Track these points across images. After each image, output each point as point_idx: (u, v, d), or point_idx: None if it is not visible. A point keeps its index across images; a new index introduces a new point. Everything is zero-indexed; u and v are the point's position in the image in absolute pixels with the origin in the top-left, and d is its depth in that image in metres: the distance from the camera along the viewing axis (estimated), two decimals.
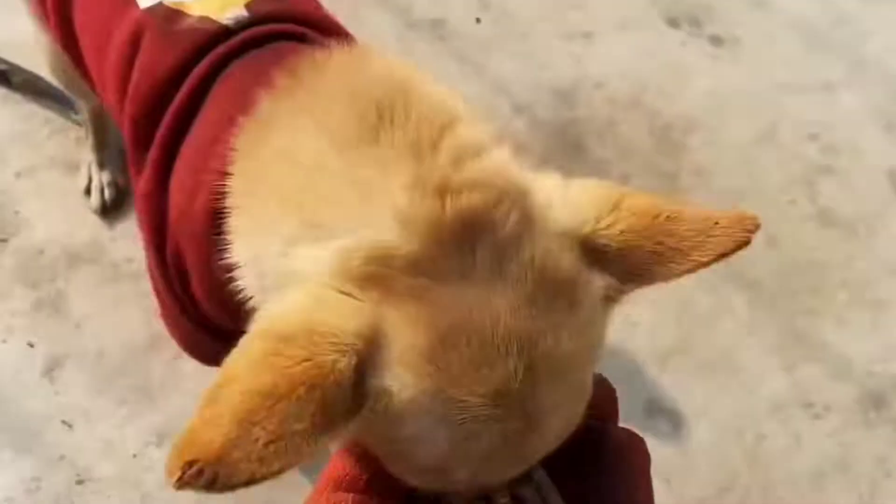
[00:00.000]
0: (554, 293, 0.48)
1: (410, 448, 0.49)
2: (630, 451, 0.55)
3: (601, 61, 1.56)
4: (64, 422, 1.16)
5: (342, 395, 0.44)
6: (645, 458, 0.55)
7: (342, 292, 0.47)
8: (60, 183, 1.34)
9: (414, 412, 0.47)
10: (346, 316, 0.46)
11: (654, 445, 0.57)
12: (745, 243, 0.51)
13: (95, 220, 1.31)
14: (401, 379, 0.46)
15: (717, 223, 0.51)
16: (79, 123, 1.34)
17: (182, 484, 0.39)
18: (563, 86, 1.53)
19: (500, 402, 0.46)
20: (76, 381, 1.18)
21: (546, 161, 1.38)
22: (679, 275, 0.52)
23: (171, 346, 0.90)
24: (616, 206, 0.52)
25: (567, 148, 1.46)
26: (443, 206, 0.47)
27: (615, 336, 1.25)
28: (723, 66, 1.59)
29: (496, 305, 0.46)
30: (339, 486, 0.51)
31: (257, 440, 0.40)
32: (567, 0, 1.62)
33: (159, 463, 1.13)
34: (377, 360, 0.46)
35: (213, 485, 0.40)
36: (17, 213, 1.31)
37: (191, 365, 1.08)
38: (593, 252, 0.51)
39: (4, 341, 1.22)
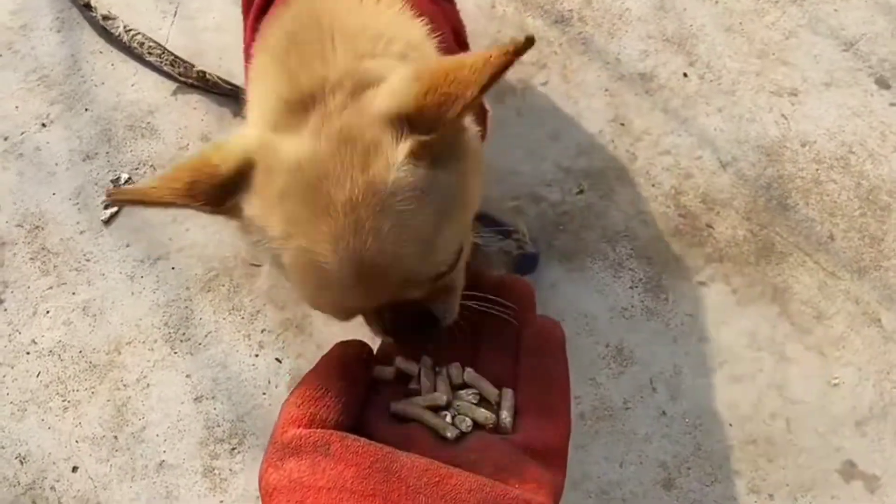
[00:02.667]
0: (356, 156, 0.64)
1: (265, 256, 0.70)
2: (548, 331, 0.67)
3: (807, 119, 1.59)
4: None
5: (211, 182, 0.67)
6: (560, 335, 0.67)
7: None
8: None
9: (257, 230, 0.67)
10: (239, 146, 0.69)
11: None
12: (510, 60, 0.61)
13: None
14: (249, 200, 0.67)
15: (490, 56, 0.62)
16: None
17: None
18: (769, 142, 1.56)
19: (338, 248, 0.63)
20: None
21: (748, 217, 1.42)
22: (462, 112, 0.62)
23: None
24: (417, 78, 0.65)
25: (771, 205, 1.50)
26: (290, 86, 0.71)
27: (812, 394, 1.29)
28: None
29: (303, 163, 0.65)
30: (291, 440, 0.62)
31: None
32: (773, 57, 1.66)
33: None
34: (246, 180, 0.68)
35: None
36: None
37: None
38: (399, 120, 0.65)
39: (256, 355, 1.38)
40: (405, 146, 0.64)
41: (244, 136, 0.72)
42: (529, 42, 0.61)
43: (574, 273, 1.45)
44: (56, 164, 1.58)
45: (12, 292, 1.47)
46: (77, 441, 1.35)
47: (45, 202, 1.55)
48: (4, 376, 1.40)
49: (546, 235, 1.48)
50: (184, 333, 1.42)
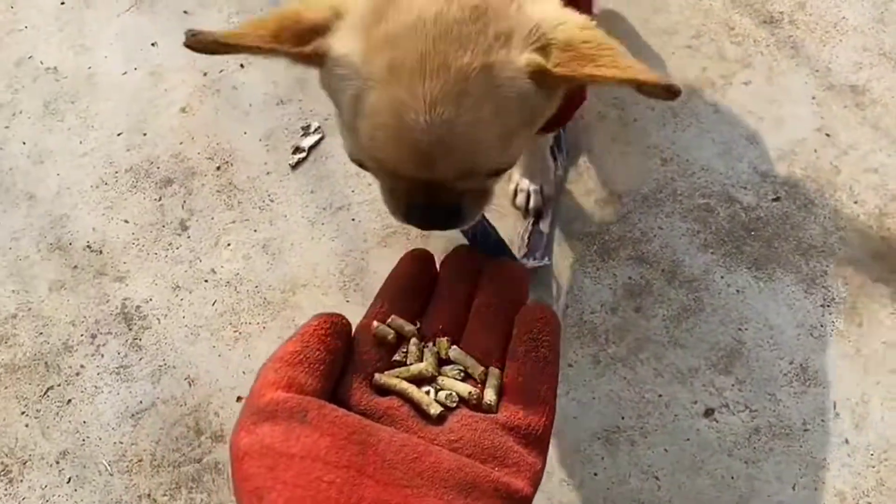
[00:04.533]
0: (484, 35, 0.66)
1: (337, 98, 0.71)
2: (545, 317, 0.64)
3: None
4: None
5: (297, 28, 0.68)
6: (557, 323, 0.64)
7: None
8: None
9: (349, 66, 0.67)
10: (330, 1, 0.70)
11: None
12: (654, 85, 0.63)
13: None
14: (343, 38, 0.68)
15: (646, 70, 0.64)
16: None
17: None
18: None
19: (433, 108, 0.64)
20: None
21: None
22: (595, 77, 0.65)
23: None
24: (584, 27, 0.68)
25: None
26: None
27: None
28: None
29: (427, 21, 0.65)
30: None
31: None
32: None
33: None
34: (332, 24, 0.69)
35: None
36: None
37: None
38: (541, 38, 0.67)
39: None
40: (533, 59, 0.66)
41: None
42: (677, 92, 0.62)
43: (762, 282, 1.38)
44: (250, 105, 1.62)
45: (197, 221, 1.51)
46: (244, 372, 1.37)
47: (236, 140, 1.59)
48: (182, 300, 1.44)
49: (736, 239, 1.42)
50: (357, 283, 1.42)
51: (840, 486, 1.23)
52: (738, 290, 1.37)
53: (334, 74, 0.69)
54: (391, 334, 0.62)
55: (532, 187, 1.43)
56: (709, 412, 1.29)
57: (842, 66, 1.58)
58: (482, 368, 0.62)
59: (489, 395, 0.60)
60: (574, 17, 0.70)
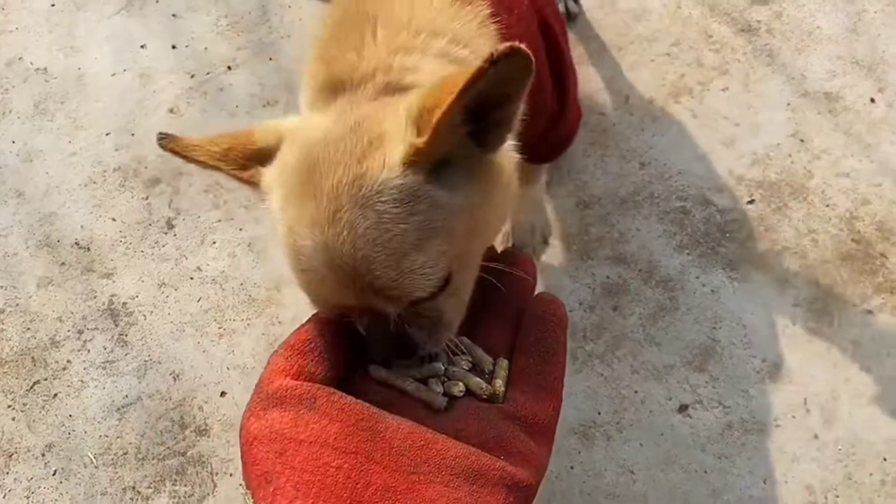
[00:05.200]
0: (358, 146, 0.62)
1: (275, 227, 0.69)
2: (553, 308, 0.64)
3: None
4: None
5: (244, 151, 0.69)
6: (564, 314, 0.64)
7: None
8: None
9: (267, 202, 0.67)
10: (272, 126, 0.71)
11: None
12: (485, 68, 0.55)
13: None
14: (268, 171, 0.68)
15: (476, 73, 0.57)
16: None
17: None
18: None
19: (314, 233, 0.61)
20: None
21: None
22: (442, 119, 0.58)
23: None
24: (435, 84, 0.63)
25: None
26: (325, 70, 0.73)
27: None
28: None
29: (313, 145, 0.64)
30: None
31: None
32: None
33: None
34: (271, 157, 0.68)
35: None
36: None
37: None
38: (411, 122, 0.61)
39: None
40: (402, 147, 0.60)
41: (288, 118, 0.73)
42: (510, 53, 0.53)
43: (736, 283, 1.42)
44: (237, 107, 1.65)
45: (183, 220, 1.53)
46: (228, 368, 1.40)
47: None
48: (168, 297, 1.46)
49: (711, 241, 1.45)
50: None
51: (809, 479, 1.27)
52: (712, 290, 1.41)
53: (268, 212, 0.68)
54: None
55: (536, 237, 1.41)
56: (683, 408, 1.32)
57: (816, 74, 1.62)
58: (490, 360, 0.63)
59: (497, 386, 0.61)
60: (434, 72, 0.69)
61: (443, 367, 0.63)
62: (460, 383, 0.62)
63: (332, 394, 0.56)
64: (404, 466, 0.53)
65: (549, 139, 1.11)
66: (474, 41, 0.77)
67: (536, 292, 0.69)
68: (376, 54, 0.71)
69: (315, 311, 0.64)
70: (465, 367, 0.63)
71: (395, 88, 0.68)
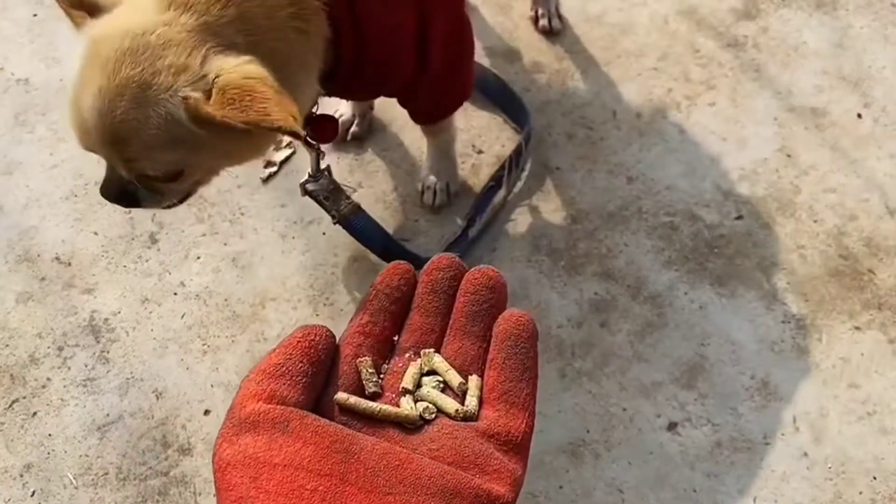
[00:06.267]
0: (164, 57, 0.87)
1: None
2: (524, 322, 0.59)
3: None
4: None
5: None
6: (534, 328, 0.60)
7: None
8: None
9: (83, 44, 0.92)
10: None
11: None
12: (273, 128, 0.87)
13: None
14: (92, 24, 0.93)
15: (269, 115, 0.85)
16: None
17: None
18: None
19: (84, 86, 0.91)
20: None
21: None
22: (223, 123, 0.85)
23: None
24: (246, 74, 0.86)
25: None
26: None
27: None
28: None
29: (131, 32, 0.88)
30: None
31: None
32: None
33: None
34: (99, 11, 0.94)
35: None
36: None
37: None
38: (209, 81, 0.87)
39: None
40: (190, 93, 0.85)
41: None
42: (296, 136, 0.86)
43: (724, 298, 1.41)
44: None
45: (167, 234, 1.51)
46: (212, 385, 1.37)
47: None
48: (151, 313, 1.44)
49: (699, 256, 1.45)
50: (328, 298, 1.43)
51: (799, 498, 1.26)
52: (700, 306, 1.40)
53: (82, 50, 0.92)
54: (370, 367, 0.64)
55: (438, 184, 1.48)
56: (672, 426, 1.31)
57: (802, 89, 1.63)
58: (461, 379, 0.63)
59: (470, 404, 0.61)
60: (245, 67, 0.86)
61: (410, 385, 0.63)
62: (431, 405, 0.62)
63: (304, 416, 0.56)
64: (380, 487, 0.53)
65: (411, 107, 1.33)
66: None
67: (508, 308, 0.69)
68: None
69: (285, 339, 0.64)
70: (437, 387, 0.63)
71: (211, 34, 0.88)
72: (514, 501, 0.57)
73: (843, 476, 1.27)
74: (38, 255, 1.49)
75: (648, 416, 1.32)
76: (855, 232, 1.47)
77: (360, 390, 0.64)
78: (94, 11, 0.92)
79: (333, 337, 0.65)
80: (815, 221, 1.48)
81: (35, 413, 1.35)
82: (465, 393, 0.62)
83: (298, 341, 0.63)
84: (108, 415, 1.35)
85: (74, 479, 1.30)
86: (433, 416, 0.60)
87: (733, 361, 1.36)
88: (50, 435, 1.34)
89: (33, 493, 1.29)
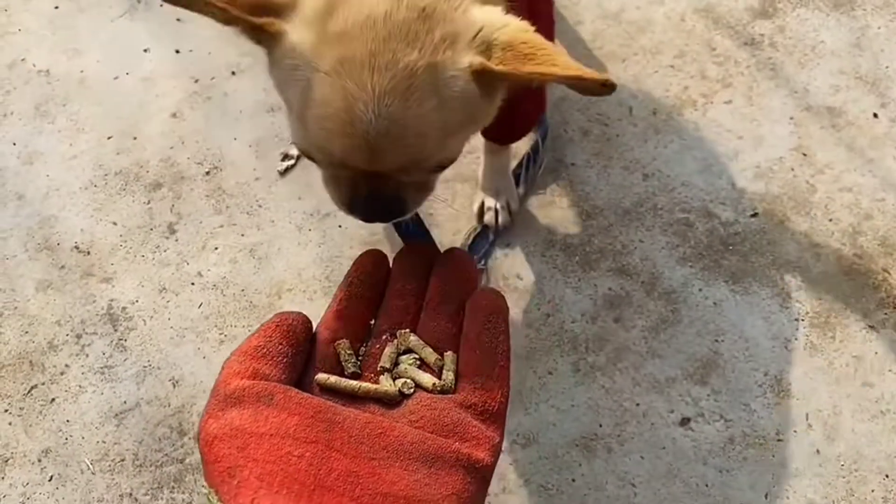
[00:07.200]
0: (431, 35, 0.70)
1: (286, 89, 0.75)
2: (493, 301, 0.67)
3: None
4: None
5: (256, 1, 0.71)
6: (504, 306, 0.67)
7: None
8: None
9: (300, 57, 0.71)
10: None
11: None
12: (592, 82, 0.67)
13: None
14: (296, 27, 0.71)
15: (585, 69, 0.68)
16: None
17: None
18: None
19: (380, 101, 0.68)
20: None
21: None
22: (536, 73, 0.69)
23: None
24: (525, 30, 0.73)
25: None
26: None
27: None
28: None
29: (377, 19, 0.69)
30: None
31: None
32: None
33: None
34: (289, 9, 0.72)
35: None
36: None
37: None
38: (485, 39, 0.72)
39: None
40: (476, 59, 0.71)
41: None
42: (611, 87, 0.67)
43: (739, 295, 1.41)
44: (240, 112, 1.64)
45: (185, 225, 1.53)
46: None
47: (225, 146, 1.61)
48: (168, 302, 1.45)
49: (714, 253, 1.45)
50: None
51: (811, 495, 1.26)
52: (715, 303, 1.41)
53: (284, 64, 0.72)
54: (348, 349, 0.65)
55: (498, 204, 1.46)
56: (685, 421, 1.32)
57: (819, 88, 1.63)
58: (437, 356, 0.65)
59: (447, 378, 0.63)
60: (515, 22, 0.74)
61: (387, 364, 0.65)
62: (409, 381, 0.64)
63: (288, 390, 0.58)
64: (364, 453, 0.55)
65: (493, 132, 1.28)
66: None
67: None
68: None
69: (264, 323, 0.65)
70: (413, 364, 0.65)
71: None
72: (492, 465, 0.59)
73: (855, 474, 1.27)
74: (58, 244, 1.51)
75: (661, 411, 1.32)
76: (870, 231, 1.47)
77: (339, 372, 0.65)
78: (279, 11, 0.72)
79: (310, 322, 0.67)
80: (831, 220, 1.48)
81: (53, 399, 1.37)
82: (441, 368, 0.63)
83: (277, 325, 0.65)
84: (125, 402, 1.36)
85: (91, 464, 1.32)
86: (412, 390, 0.62)
87: (747, 358, 1.36)
88: (68, 421, 1.35)
89: (51, 477, 1.31)
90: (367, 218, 0.81)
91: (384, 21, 0.69)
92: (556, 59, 0.69)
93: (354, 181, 0.76)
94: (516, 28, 0.73)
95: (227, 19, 0.71)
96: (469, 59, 0.71)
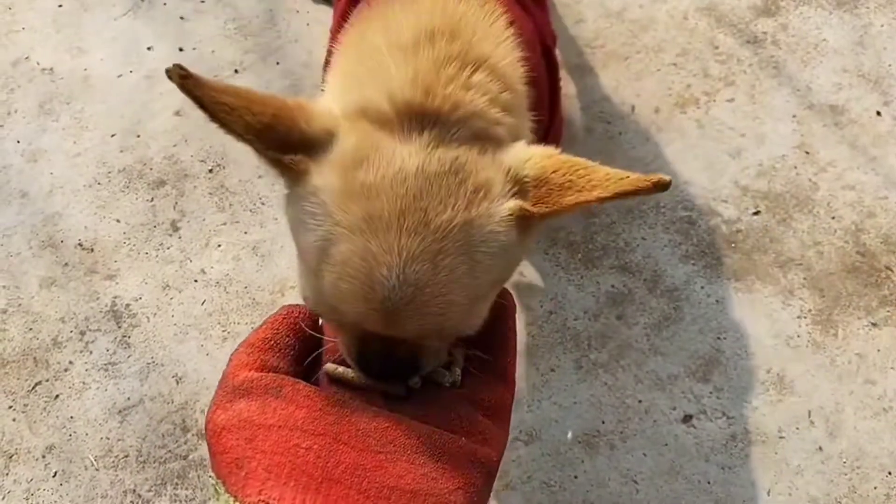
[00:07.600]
0: (463, 190, 0.63)
1: (301, 235, 0.65)
2: (501, 299, 0.67)
3: None
4: None
5: (288, 128, 0.63)
6: (512, 304, 0.67)
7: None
8: None
9: (321, 206, 0.62)
10: (328, 114, 0.67)
11: None
12: (644, 189, 0.61)
13: None
14: (322, 170, 0.63)
15: (627, 176, 0.62)
16: None
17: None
18: None
19: (407, 266, 0.60)
20: None
21: None
22: (579, 204, 0.63)
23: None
24: (550, 156, 0.66)
25: None
26: (422, 98, 0.66)
27: None
28: None
29: (408, 174, 0.62)
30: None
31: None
32: None
33: None
34: (320, 147, 0.64)
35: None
36: None
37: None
38: (517, 180, 0.65)
39: None
40: (513, 205, 0.64)
41: (329, 107, 0.69)
42: (665, 186, 0.61)
43: (741, 293, 1.41)
44: None
45: (188, 222, 1.53)
46: None
47: (229, 143, 1.61)
48: (172, 299, 1.46)
49: (716, 251, 1.45)
50: None
51: (813, 492, 1.26)
52: (717, 301, 1.41)
53: (304, 207, 0.64)
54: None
55: None
56: (687, 418, 1.32)
57: (822, 87, 1.63)
58: (445, 351, 0.65)
59: (455, 373, 0.64)
60: (537, 150, 0.68)
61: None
62: (416, 378, 0.65)
63: (296, 382, 0.58)
64: (371, 446, 0.55)
65: None
66: (510, 79, 0.77)
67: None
68: (452, 89, 0.69)
69: (271, 316, 0.65)
70: None
71: (482, 137, 0.68)
72: (498, 460, 0.60)
73: (857, 471, 1.27)
74: (62, 242, 1.52)
75: (664, 408, 1.32)
76: (873, 229, 1.47)
77: (348, 364, 0.66)
78: (311, 149, 0.65)
79: (316, 315, 0.67)
80: (833, 218, 1.48)
81: (57, 396, 1.37)
82: (449, 364, 0.64)
83: (284, 318, 0.65)
84: (128, 399, 1.37)
85: (95, 460, 1.32)
86: (418, 385, 0.63)
87: (749, 355, 1.36)
88: (72, 417, 1.36)
89: (55, 473, 1.31)
90: (380, 378, 0.66)
91: (416, 176, 0.62)
92: (594, 177, 0.63)
93: (366, 340, 0.66)
94: (541, 156, 0.66)
95: (255, 151, 0.65)
96: (509, 205, 0.64)
